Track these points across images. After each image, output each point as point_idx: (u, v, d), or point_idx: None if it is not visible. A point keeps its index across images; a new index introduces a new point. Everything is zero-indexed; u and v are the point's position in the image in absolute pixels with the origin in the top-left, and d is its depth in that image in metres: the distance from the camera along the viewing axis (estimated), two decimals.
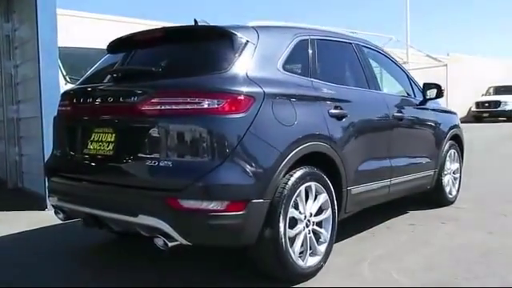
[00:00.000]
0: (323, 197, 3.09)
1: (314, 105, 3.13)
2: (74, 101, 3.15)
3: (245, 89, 2.67)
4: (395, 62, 4.53)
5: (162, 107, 2.64)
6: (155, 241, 2.66)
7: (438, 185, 4.82)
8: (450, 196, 5.06)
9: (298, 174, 2.85)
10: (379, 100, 3.90)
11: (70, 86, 6.22)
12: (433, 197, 4.89)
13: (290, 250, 2.82)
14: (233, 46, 2.85)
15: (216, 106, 2.57)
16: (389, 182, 3.92)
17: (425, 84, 4.62)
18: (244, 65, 2.80)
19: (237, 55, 2.82)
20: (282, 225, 2.75)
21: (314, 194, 3.02)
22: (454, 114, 5.36)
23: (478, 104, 23.00)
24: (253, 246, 2.75)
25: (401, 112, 4.07)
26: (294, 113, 2.90)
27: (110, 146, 2.86)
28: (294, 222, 2.87)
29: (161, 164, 2.59)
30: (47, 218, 4.75)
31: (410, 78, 4.64)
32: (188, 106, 2.59)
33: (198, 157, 2.56)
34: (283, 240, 2.77)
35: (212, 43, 2.93)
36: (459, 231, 4.09)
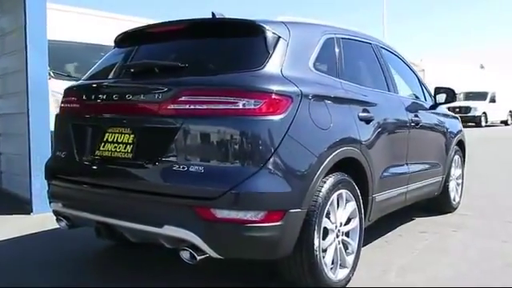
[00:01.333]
0: (351, 205, 2.91)
1: (345, 107, 2.95)
2: (83, 97, 2.86)
3: (282, 88, 2.46)
4: (407, 64, 4.40)
5: (192, 106, 2.39)
6: (181, 254, 2.41)
7: (444, 191, 4.73)
8: (454, 202, 4.98)
9: (330, 181, 2.66)
10: (399, 103, 3.76)
11: (54, 82, 5.88)
12: (438, 203, 4.80)
13: (323, 263, 2.63)
14: (265, 41, 2.62)
15: (253, 106, 2.34)
16: (406, 189, 3.78)
17: (436, 88, 4.52)
18: (278, 62, 2.59)
19: (270, 52, 2.59)
20: (316, 236, 2.55)
21: (344, 202, 2.83)
22: (457, 118, 5.30)
23: (449, 109, 23.41)
24: (285, 258, 2.54)
25: (417, 116, 3.94)
26: (329, 115, 2.71)
27: (128, 148, 2.58)
28: (325, 233, 2.68)
29: (190, 169, 2.34)
30: (35, 222, 4.41)
31: (420, 81, 4.53)
32: (222, 106, 2.35)
33: (233, 162, 2.32)
34: (318, 252, 2.57)
35: (243, 38, 2.69)
36: (473, 240, 3.98)
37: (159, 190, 2.42)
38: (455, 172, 4.98)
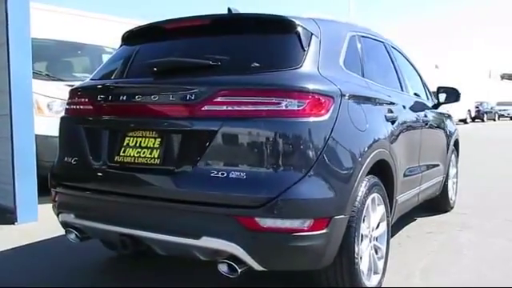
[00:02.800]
0: (381, 209, 2.82)
1: (375, 107, 2.85)
2: (98, 98, 2.61)
3: (324, 87, 2.32)
4: (411, 62, 4.36)
5: (230, 108, 2.22)
6: (219, 267, 2.23)
7: (444, 190, 4.74)
8: (451, 202, 5.01)
9: (366, 185, 2.54)
10: (413, 103, 3.71)
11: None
12: (437, 203, 4.80)
13: (361, 270, 2.51)
14: (300, 38, 2.47)
15: (296, 107, 2.19)
16: (419, 190, 3.75)
17: (439, 87, 4.50)
18: (314, 61, 2.45)
19: (306, 49, 2.45)
20: (356, 242, 2.43)
21: (376, 206, 2.73)
22: (451, 117, 5.34)
23: None
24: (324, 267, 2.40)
25: (426, 116, 3.91)
26: (365, 116, 2.60)
27: (155, 154, 2.37)
28: (361, 239, 2.56)
29: (231, 176, 2.17)
30: (20, 233, 4.09)
31: (422, 79, 4.51)
32: (263, 107, 2.19)
33: (277, 167, 2.16)
34: (358, 259, 2.45)
35: (276, 35, 2.52)
36: (480, 239, 3.99)
37: (195, 199, 2.23)
38: (452, 171, 5.01)
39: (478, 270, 3.23)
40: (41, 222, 4.44)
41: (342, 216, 2.30)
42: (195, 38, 2.70)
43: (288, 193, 2.12)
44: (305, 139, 2.19)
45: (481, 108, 33.10)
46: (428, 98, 4.47)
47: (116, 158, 2.49)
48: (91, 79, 2.93)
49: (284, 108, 2.18)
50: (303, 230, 2.15)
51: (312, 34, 2.54)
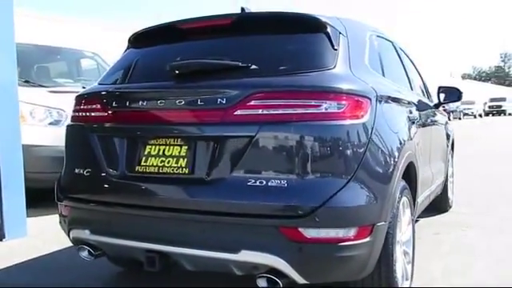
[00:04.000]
0: (408, 212, 2.74)
1: (401, 108, 2.78)
2: (114, 104, 2.43)
3: (361, 88, 2.22)
4: (412, 61, 4.33)
5: (266, 111, 2.08)
6: (258, 282, 2.09)
7: (445, 190, 4.74)
8: (450, 201, 5.02)
9: (399, 189, 2.45)
10: (423, 103, 3.67)
11: None
12: (438, 202, 4.78)
13: (397, 277, 2.42)
14: (330, 38, 2.36)
15: (336, 109, 2.08)
16: (430, 190, 3.71)
17: (440, 87, 4.49)
18: (346, 61, 2.35)
19: (336, 49, 2.35)
20: (394, 249, 2.34)
21: (404, 210, 2.65)
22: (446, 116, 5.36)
23: None
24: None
25: (433, 116, 3.89)
26: (395, 117, 2.52)
27: (182, 162, 2.21)
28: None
29: (270, 184, 2.03)
30: (8, 251, 3.81)
31: (422, 80, 4.49)
32: (301, 110, 2.06)
33: (319, 174, 2.04)
34: (395, 267, 2.36)
35: (305, 34, 2.39)
36: (487, 238, 3.98)
37: (232, 210, 2.08)
38: (450, 170, 5.02)
39: (495, 271, 3.20)
40: (30, 238, 4.18)
41: (383, 223, 2.20)
42: (215, 39, 2.55)
43: (333, 200, 2.00)
44: (347, 143, 2.08)
45: (447, 107, 33.97)
46: (428, 98, 4.45)
47: (137, 168, 2.32)
48: (99, 84, 2.74)
49: (324, 111, 2.07)
50: (349, 239, 2.04)
51: (340, 33, 2.44)
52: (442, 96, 4.48)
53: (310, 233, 1.99)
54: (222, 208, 2.10)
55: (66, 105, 5.37)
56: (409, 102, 3.02)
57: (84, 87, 6.19)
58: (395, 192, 2.32)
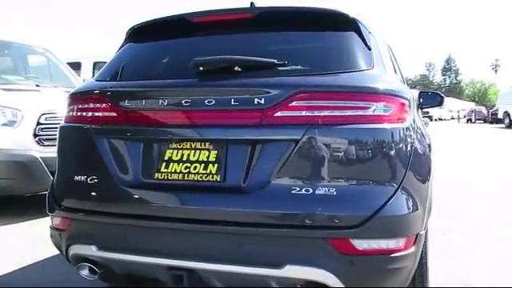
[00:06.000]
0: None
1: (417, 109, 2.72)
2: (125, 103, 2.15)
3: (402, 90, 2.12)
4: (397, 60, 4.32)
5: (310, 113, 1.92)
6: None
7: None
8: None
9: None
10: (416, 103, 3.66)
11: None
12: None
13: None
14: (363, 37, 2.24)
15: (382, 112, 1.96)
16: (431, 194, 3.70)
17: (421, 92, 4.51)
18: (379, 61, 2.24)
19: (370, 49, 2.23)
20: (427, 257, 2.26)
21: None
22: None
23: None
24: None
25: (424, 116, 3.89)
26: (420, 119, 2.45)
27: (212, 169, 1.99)
28: None
29: (318, 192, 1.86)
30: None
31: (403, 78, 4.50)
32: (348, 112, 1.92)
33: (369, 181, 1.90)
34: (428, 275, 2.28)
35: (339, 32, 2.24)
36: (469, 241, 4.06)
37: (274, 221, 1.89)
38: None
39: (489, 273, 3.27)
40: None
41: (424, 231, 2.11)
42: (235, 34, 2.34)
43: (386, 209, 1.87)
44: (395, 148, 1.95)
45: None
46: None
47: (156, 175, 2.06)
48: (98, 80, 2.44)
49: (371, 113, 1.94)
50: (399, 250, 1.91)
51: (370, 32, 2.33)
52: (422, 100, 4.51)
53: (362, 244, 1.85)
54: (262, 219, 1.90)
55: (22, 104, 4.92)
56: (418, 103, 2.98)
57: (38, 85, 5.73)
58: (430, 197, 2.24)
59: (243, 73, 2.09)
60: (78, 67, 7.94)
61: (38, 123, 4.84)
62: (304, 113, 1.92)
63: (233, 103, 1.98)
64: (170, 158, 2.06)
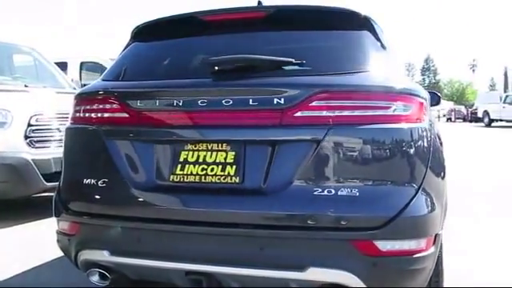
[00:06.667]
0: None
1: None
2: (137, 104, 2.10)
3: (419, 89, 2.11)
4: None
5: (330, 113, 1.89)
6: None
7: None
8: None
9: None
10: None
11: None
12: None
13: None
14: (378, 36, 2.24)
15: (403, 112, 1.94)
16: None
17: None
18: (394, 60, 2.24)
19: (385, 48, 2.22)
20: (442, 257, 2.26)
21: None
22: None
23: None
24: None
25: None
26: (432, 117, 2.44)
27: (230, 170, 1.95)
28: None
29: (340, 193, 1.83)
30: None
31: None
32: (371, 112, 1.90)
33: (391, 182, 1.88)
34: (443, 275, 2.28)
35: (354, 31, 2.22)
36: (469, 238, 4.08)
37: (296, 223, 1.86)
38: None
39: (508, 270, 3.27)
40: None
41: (441, 231, 2.10)
42: (248, 33, 2.30)
43: (409, 209, 1.85)
44: (415, 148, 1.94)
45: None
46: None
47: (171, 177, 2.01)
48: (104, 80, 2.37)
49: (392, 113, 1.92)
50: (421, 250, 1.90)
51: (382, 30, 2.32)
52: None
53: (386, 245, 1.83)
54: (284, 221, 1.87)
55: (12, 105, 4.79)
56: None
57: (26, 85, 5.58)
58: (446, 196, 2.24)
59: (260, 72, 2.06)
60: (64, 67, 7.78)
61: (29, 124, 4.72)
62: (325, 113, 1.89)
63: (251, 103, 1.95)
64: (186, 160, 2.01)
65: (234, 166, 1.95)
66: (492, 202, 5.65)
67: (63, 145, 2.34)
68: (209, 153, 1.99)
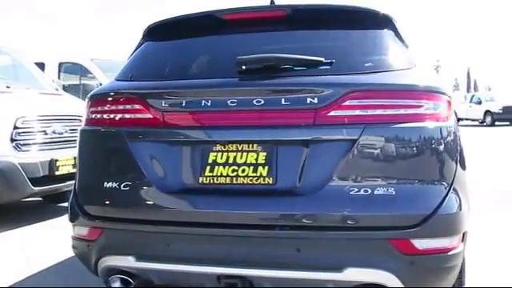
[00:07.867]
0: None
1: None
2: (161, 104, 2.03)
3: (445, 87, 2.12)
4: None
5: (364, 112, 1.88)
6: None
7: None
8: None
9: None
10: None
11: None
12: None
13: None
14: (400, 35, 2.24)
15: (433, 111, 1.95)
16: None
17: None
18: (416, 59, 2.23)
19: (408, 46, 2.23)
20: (464, 255, 2.28)
21: None
22: None
23: None
24: None
25: None
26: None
27: (262, 171, 1.91)
28: None
29: (376, 193, 1.83)
30: None
31: None
32: (402, 111, 1.90)
33: (425, 180, 1.89)
34: (465, 275, 2.30)
35: (378, 30, 2.21)
36: (483, 236, 4.14)
37: (333, 223, 1.84)
38: None
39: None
40: None
41: (467, 229, 2.12)
42: (270, 33, 2.27)
43: (443, 208, 1.86)
44: (445, 146, 1.95)
45: None
46: None
47: (200, 179, 1.96)
48: (118, 80, 2.29)
49: (423, 112, 1.92)
50: (454, 248, 1.91)
51: (402, 30, 2.33)
52: None
53: (422, 244, 1.84)
54: (321, 221, 1.85)
55: None
56: None
57: (8, 86, 5.36)
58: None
59: (289, 71, 2.03)
60: (41, 68, 7.52)
61: (15, 127, 4.53)
62: (358, 112, 1.88)
63: (283, 103, 1.92)
64: (215, 161, 1.96)
65: (267, 167, 1.91)
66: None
67: (77, 148, 2.24)
68: (239, 154, 1.95)
